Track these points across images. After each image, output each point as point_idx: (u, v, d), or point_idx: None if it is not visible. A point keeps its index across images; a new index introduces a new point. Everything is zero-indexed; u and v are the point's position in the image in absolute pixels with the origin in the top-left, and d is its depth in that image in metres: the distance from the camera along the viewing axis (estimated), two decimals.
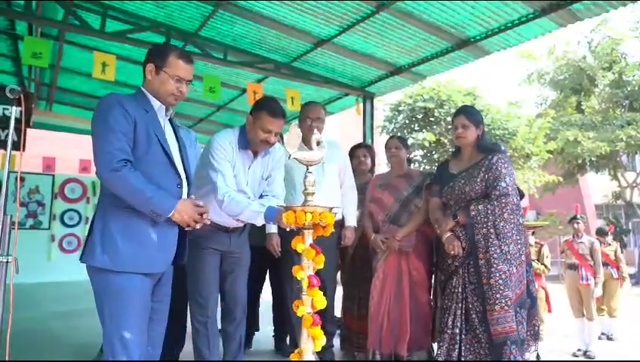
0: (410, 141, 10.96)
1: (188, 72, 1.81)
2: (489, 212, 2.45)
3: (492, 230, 2.43)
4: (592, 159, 12.46)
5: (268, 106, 2.21)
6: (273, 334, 3.60)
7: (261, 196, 2.41)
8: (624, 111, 12.83)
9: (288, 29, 4.31)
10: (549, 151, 11.49)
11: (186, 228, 1.76)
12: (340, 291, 3.33)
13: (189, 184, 1.86)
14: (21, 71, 6.24)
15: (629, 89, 12.64)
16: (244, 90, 5.85)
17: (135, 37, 4.31)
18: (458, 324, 2.47)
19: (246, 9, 4.05)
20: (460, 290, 2.50)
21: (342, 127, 14.14)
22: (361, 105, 5.64)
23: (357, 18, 4.03)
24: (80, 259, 1.70)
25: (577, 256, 4.44)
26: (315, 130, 2.05)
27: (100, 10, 4.20)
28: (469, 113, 2.67)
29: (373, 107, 5.78)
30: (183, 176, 1.82)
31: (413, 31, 4.13)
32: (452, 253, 2.50)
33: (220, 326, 2.45)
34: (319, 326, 1.60)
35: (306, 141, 2.90)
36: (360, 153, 3.60)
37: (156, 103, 1.81)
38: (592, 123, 12.76)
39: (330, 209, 1.68)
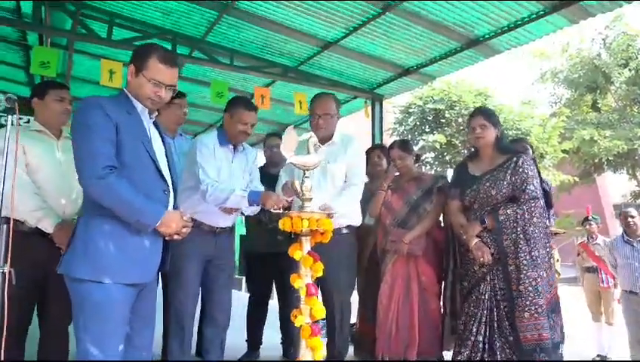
0: (421, 143, 10.86)
1: (168, 77, 1.70)
2: (518, 216, 2.40)
3: (521, 235, 2.38)
4: (609, 158, 12.15)
5: (242, 102, 2.57)
6: (281, 341, 3.56)
7: None
8: None
9: (294, 33, 4.29)
10: (564, 151, 11.26)
11: (167, 238, 1.71)
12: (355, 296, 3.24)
13: (175, 190, 1.80)
14: (34, 81, 6.33)
15: None
16: (252, 95, 5.85)
17: (142, 44, 4.32)
18: (482, 331, 2.42)
19: (250, 13, 4.03)
20: (486, 297, 2.44)
21: (357, 129, 14.04)
22: (370, 107, 5.59)
23: (363, 20, 3.98)
24: (58, 269, 1.64)
25: (594, 258, 4.30)
26: (312, 134, 1.99)
27: (107, 18, 4.23)
28: (487, 113, 2.65)
29: (382, 109, 5.72)
30: (170, 181, 1.76)
31: (420, 31, 4.06)
32: (481, 260, 2.42)
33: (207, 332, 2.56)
34: (318, 337, 1.54)
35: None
36: (374, 155, 3.52)
37: (139, 105, 1.73)
38: (609, 121, 12.46)
39: (329, 215, 1.63)
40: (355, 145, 2.74)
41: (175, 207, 1.79)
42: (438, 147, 10.39)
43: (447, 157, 10.57)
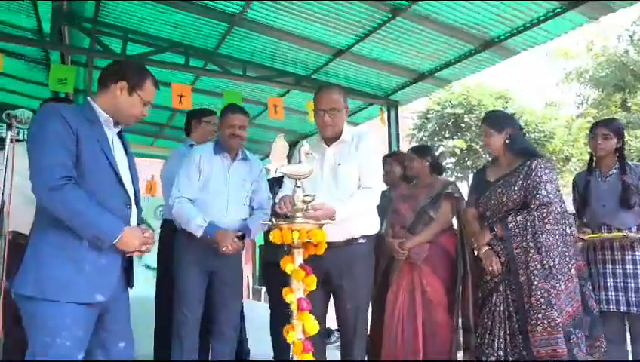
0: (440, 148, 10.69)
1: (154, 97, 1.78)
2: (528, 223, 2.27)
3: (532, 243, 2.24)
4: None
5: (228, 107, 2.60)
6: (272, 358, 3.38)
7: (251, 208, 2.60)
8: None
9: (304, 41, 4.28)
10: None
11: (127, 255, 1.64)
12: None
13: (137, 204, 1.72)
14: (59, 98, 6.54)
15: None
16: (266, 105, 5.86)
17: (156, 58, 4.40)
18: (502, 346, 2.29)
19: (261, 23, 4.04)
20: (501, 309, 2.31)
21: (375, 135, 13.94)
22: (385, 114, 5.51)
23: (373, 25, 3.93)
24: (10, 286, 1.55)
25: None
26: (304, 142, 1.84)
27: (121, 34, 4.33)
28: (489, 119, 2.55)
29: (398, 115, 5.64)
30: (132, 194, 1.69)
31: (432, 34, 3.99)
32: (490, 269, 2.33)
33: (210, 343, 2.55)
34: (310, 354, 1.48)
35: (325, 139, 2.36)
36: (388, 162, 3.42)
37: (103, 115, 1.66)
38: (639, 120, 12.00)
39: (321, 226, 1.55)
40: (368, 141, 2.32)
41: (138, 221, 1.72)
42: (459, 152, 10.20)
43: (469, 163, 10.35)
